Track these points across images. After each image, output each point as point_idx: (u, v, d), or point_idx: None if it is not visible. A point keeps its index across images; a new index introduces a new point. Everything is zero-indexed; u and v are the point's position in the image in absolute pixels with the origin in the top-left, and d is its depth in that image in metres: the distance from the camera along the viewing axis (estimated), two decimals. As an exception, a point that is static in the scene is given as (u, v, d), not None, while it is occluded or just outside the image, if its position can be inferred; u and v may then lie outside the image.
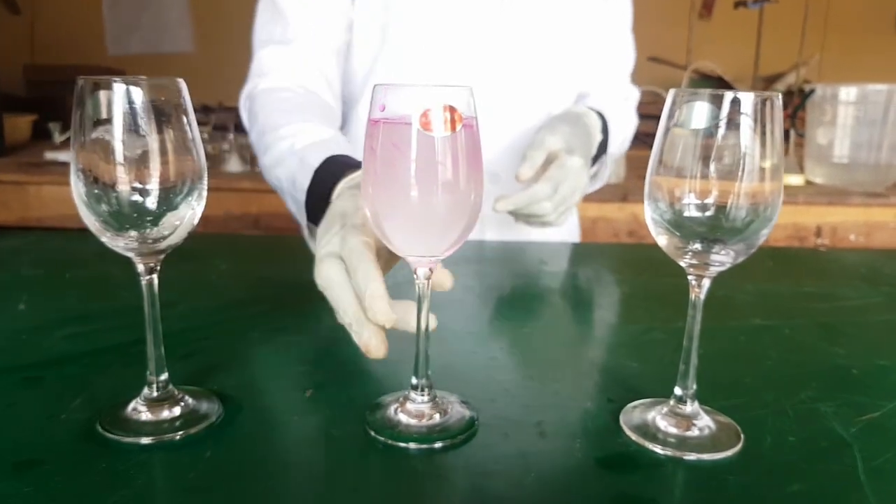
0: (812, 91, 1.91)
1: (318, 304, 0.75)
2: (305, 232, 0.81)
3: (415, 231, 0.48)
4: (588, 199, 1.70)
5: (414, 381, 0.52)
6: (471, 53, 1.03)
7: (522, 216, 0.94)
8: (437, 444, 0.48)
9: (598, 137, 1.05)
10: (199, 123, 2.85)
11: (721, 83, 2.48)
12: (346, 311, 0.53)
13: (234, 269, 0.91)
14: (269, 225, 1.91)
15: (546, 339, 0.71)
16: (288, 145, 0.84)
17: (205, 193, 0.48)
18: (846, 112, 1.85)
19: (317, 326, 0.70)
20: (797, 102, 2.06)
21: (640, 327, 0.74)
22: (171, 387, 0.52)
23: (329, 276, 0.55)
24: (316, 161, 0.76)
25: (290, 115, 0.91)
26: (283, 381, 0.58)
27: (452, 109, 0.45)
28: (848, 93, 1.84)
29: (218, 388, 0.55)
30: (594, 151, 1.04)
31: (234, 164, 2.04)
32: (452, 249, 0.50)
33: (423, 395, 0.52)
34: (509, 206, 0.90)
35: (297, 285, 0.82)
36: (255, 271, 0.90)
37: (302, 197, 0.76)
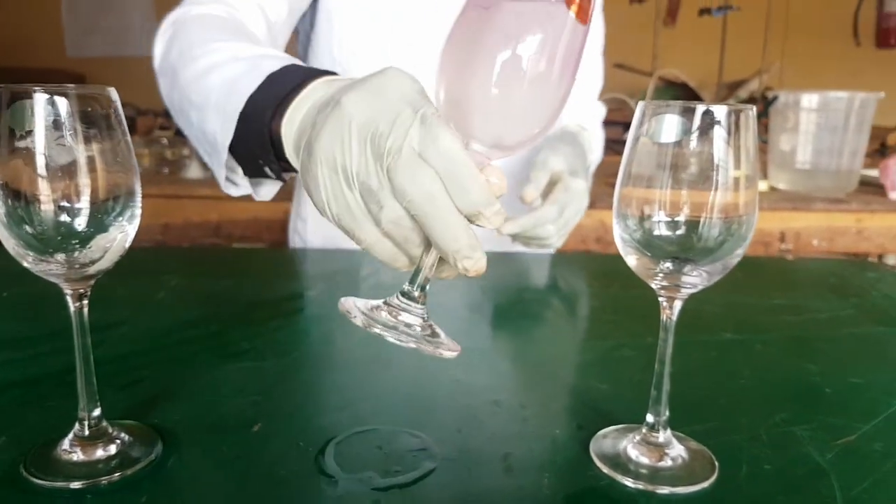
0: (775, 98, 1.91)
1: (272, 325, 0.72)
2: (219, 160, 0.63)
3: (514, 116, 0.43)
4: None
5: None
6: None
7: (523, 238, 0.92)
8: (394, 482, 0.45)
9: (591, 157, 1.04)
10: (161, 128, 2.79)
11: (686, 90, 2.48)
12: (460, 236, 0.42)
13: (184, 284, 0.87)
14: (230, 233, 1.86)
15: (513, 358, 0.68)
16: (229, 54, 0.66)
17: (138, 212, 0.44)
18: (808, 119, 1.86)
19: (270, 351, 0.66)
20: (760, 109, 2.07)
21: (609, 344, 0.72)
22: (104, 423, 0.48)
23: (431, 192, 0.41)
24: (273, 66, 0.57)
25: (229, 34, 0.73)
26: (229, 414, 0.54)
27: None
28: (810, 100, 1.85)
29: (158, 423, 0.51)
30: (592, 171, 1.04)
31: (194, 171, 1.98)
32: (527, 144, 0.45)
33: None
34: (516, 229, 0.88)
35: (251, 303, 0.78)
36: (207, 287, 0.85)
37: (240, 101, 0.57)
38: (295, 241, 1.16)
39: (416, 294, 0.46)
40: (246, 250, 1.49)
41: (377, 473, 0.46)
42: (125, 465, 0.46)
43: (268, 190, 0.67)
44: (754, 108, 0.43)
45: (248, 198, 0.67)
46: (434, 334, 0.46)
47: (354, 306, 0.45)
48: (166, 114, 3.01)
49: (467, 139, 0.43)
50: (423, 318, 0.46)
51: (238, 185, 0.68)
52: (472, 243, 0.43)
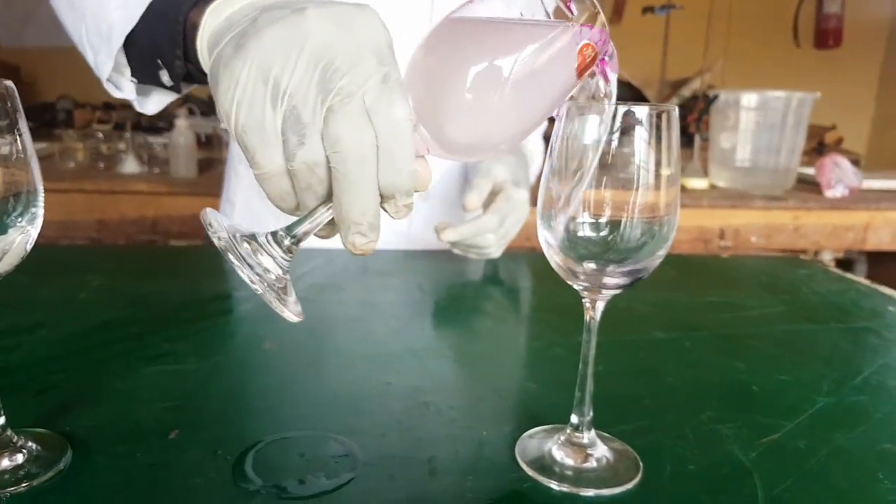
0: (716, 97, 1.95)
1: (197, 327, 0.70)
2: (110, 49, 0.56)
3: (477, 127, 0.40)
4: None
5: None
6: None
7: (462, 246, 0.91)
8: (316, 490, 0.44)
9: (532, 168, 1.05)
10: (100, 122, 2.71)
11: (629, 88, 2.51)
12: (367, 210, 0.39)
13: (109, 285, 0.83)
14: (168, 230, 1.82)
15: (446, 358, 0.67)
16: None
17: (41, 213, 0.42)
18: (748, 117, 1.90)
19: (193, 353, 0.64)
20: (702, 107, 2.10)
21: (541, 343, 0.71)
22: (9, 432, 0.45)
23: (363, 155, 0.38)
24: None
25: None
26: (146, 420, 0.52)
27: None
28: (749, 99, 1.89)
29: (69, 431, 0.49)
30: (532, 181, 1.04)
31: (130, 165, 1.93)
32: (473, 157, 0.44)
33: None
34: (456, 237, 0.87)
35: (176, 304, 0.76)
36: (130, 288, 0.82)
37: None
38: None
39: (287, 243, 0.42)
40: (176, 248, 1.46)
41: (297, 481, 0.44)
42: (32, 475, 0.44)
43: (154, 103, 0.61)
44: (676, 108, 0.42)
45: (185, 194, 0.64)
46: (286, 291, 0.42)
47: (219, 224, 0.40)
48: (105, 107, 2.92)
49: (417, 122, 0.40)
50: (283, 269, 0.42)
51: (121, 88, 0.61)
52: (375, 223, 0.40)
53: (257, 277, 0.40)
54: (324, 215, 0.41)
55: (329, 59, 0.37)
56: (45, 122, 2.81)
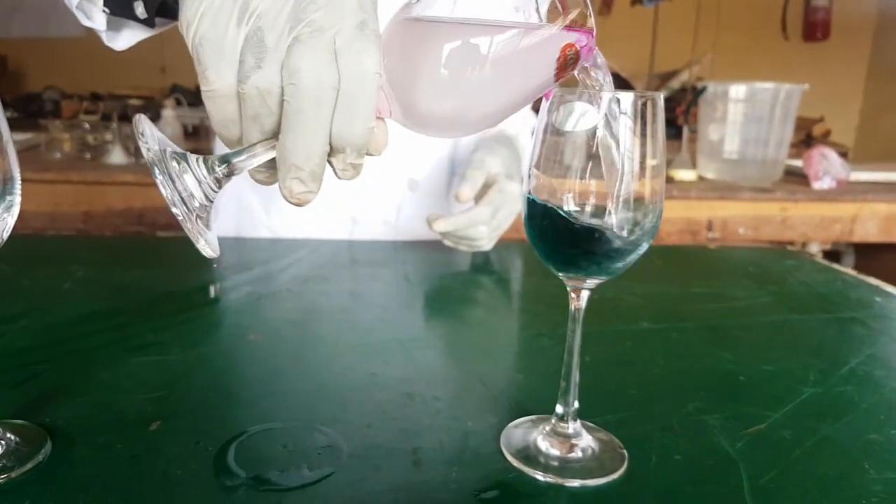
0: (704, 88, 1.95)
1: (182, 317, 0.69)
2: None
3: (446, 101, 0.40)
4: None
5: None
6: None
7: (454, 237, 0.91)
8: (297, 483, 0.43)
9: (525, 163, 1.02)
10: (87, 112, 2.69)
11: (618, 80, 2.51)
12: (312, 155, 0.37)
13: (93, 275, 0.83)
14: (154, 221, 1.80)
15: (432, 349, 0.66)
16: None
17: (18, 201, 0.41)
18: (736, 109, 1.90)
19: (177, 344, 0.63)
20: (690, 99, 2.10)
21: (528, 333, 0.71)
22: (-14, 423, 0.45)
23: (320, 97, 0.36)
24: None
25: None
26: (127, 411, 0.51)
27: None
28: (737, 90, 1.89)
29: (49, 422, 0.48)
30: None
31: (117, 156, 1.91)
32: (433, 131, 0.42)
33: None
34: (448, 227, 0.87)
35: (161, 294, 0.75)
36: (115, 278, 0.82)
37: None
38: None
39: (219, 172, 0.39)
40: (162, 239, 1.44)
41: (279, 473, 0.44)
42: (10, 467, 0.43)
43: (125, 38, 0.57)
44: (662, 96, 0.42)
45: None
46: (206, 222, 0.40)
47: (151, 135, 0.38)
48: (92, 98, 2.90)
49: (385, 82, 0.39)
50: (208, 197, 0.40)
51: (91, 18, 0.56)
52: (318, 172, 0.38)
53: (178, 199, 0.37)
54: (265, 153, 0.39)
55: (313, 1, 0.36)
56: (32, 112, 2.79)
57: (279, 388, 0.56)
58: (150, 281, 0.80)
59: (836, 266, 1.01)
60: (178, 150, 0.39)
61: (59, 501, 0.40)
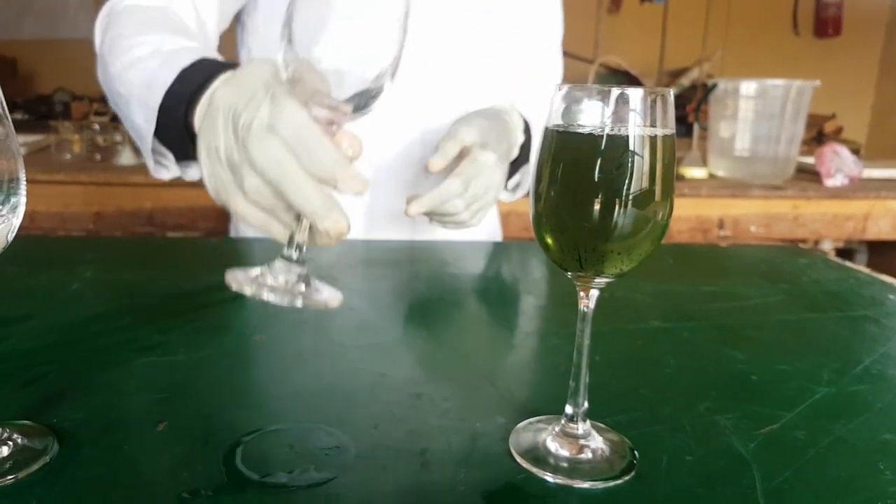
0: (714, 85, 1.93)
1: (189, 317, 0.69)
2: (146, 148, 0.70)
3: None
4: (497, 193, 1.67)
5: None
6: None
7: (437, 217, 0.88)
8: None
9: (520, 138, 0.99)
10: (97, 113, 2.70)
11: (628, 77, 2.50)
12: (311, 197, 0.45)
13: (101, 276, 0.82)
14: (164, 222, 1.81)
15: (440, 349, 0.66)
16: (151, 49, 0.71)
17: (23, 202, 0.41)
18: (747, 106, 1.89)
19: (184, 345, 0.63)
20: (700, 96, 2.09)
21: (537, 333, 0.71)
22: (-7, 423, 0.45)
23: (279, 158, 0.45)
24: (185, 62, 0.64)
25: (157, 27, 0.79)
26: (134, 412, 0.51)
27: None
28: (748, 87, 1.88)
29: (56, 422, 0.48)
30: (515, 152, 0.98)
31: (126, 157, 1.92)
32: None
33: None
34: (423, 208, 0.84)
35: (169, 295, 0.75)
36: (123, 279, 0.82)
37: (159, 96, 0.65)
38: (238, 229, 1.12)
39: (295, 256, 0.48)
40: (170, 240, 1.44)
41: (286, 474, 0.44)
42: (17, 468, 0.43)
43: (196, 170, 0.74)
44: (672, 91, 0.42)
45: (182, 185, 0.72)
46: (317, 290, 0.48)
47: (240, 279, 0.46)
48: (102, 99, 2.92)
49: (310, 99, 0.46)
50: (302, 276, 0.48)
51: (168, 168, 0.76)
52: (327, 203, 0.45)
53: (290, 297, 0.45)
54: (303, 221, 0.47)
55: (234, 111, 0.48)
56: (42, 114, 2.80)
57: (286, 389, 0.56)
58: (157, 282, 0.80)
59: (848, 264, 1.00)
60: (258, 269, 0.48)
61: (65, 502, 0.40)
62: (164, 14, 0.85)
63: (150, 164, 0.74)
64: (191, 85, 0.61)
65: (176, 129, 0.64)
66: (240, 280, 0.46)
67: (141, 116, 0.70)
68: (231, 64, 0.64)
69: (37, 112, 2.85)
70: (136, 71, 0.71)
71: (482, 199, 0.88)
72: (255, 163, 0.46)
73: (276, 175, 0.45)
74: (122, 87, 0.74)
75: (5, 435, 0.45)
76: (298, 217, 0.47)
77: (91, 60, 0.84)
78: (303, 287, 0.47)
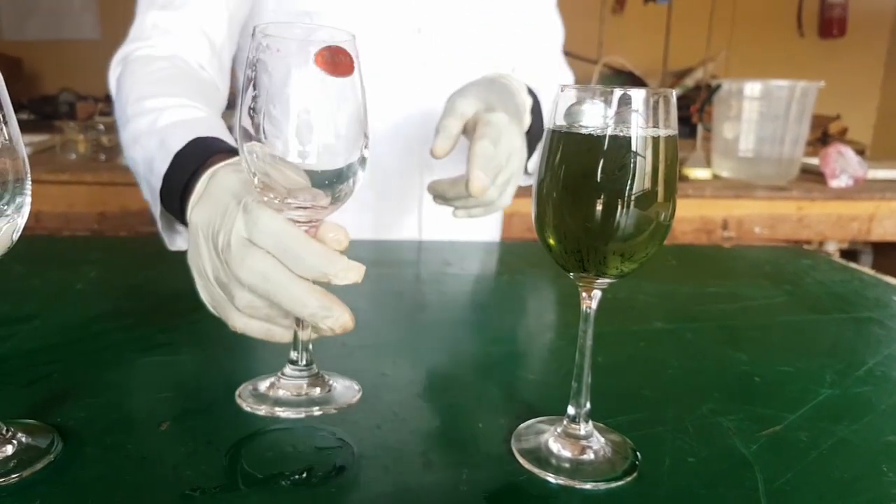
0: (718, 86, 1.93)
1: (193, 317, 0.69)
2: (159, 224, 0.72)
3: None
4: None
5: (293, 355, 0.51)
6: (393, 29, 0.97)
7: (460, 202, 0.78)
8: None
9: (528, 100, 0.87)
10: (102, 114, 2.70)
11: (631, 78, 2.49)
12: (307, 302, 0.46)
13: (104, 276, 0.83)
14: (169, 222, 1.80)
15: (441, 350, 0.66)
16: (149, 122, 0.72)
17: (28, 202, 0.41)
18: (751, 107, 1.88)
19: (187, 344, 0.63)
20: (704, 97, 2.08)
21: (540, 334, 0.71)
22: (-4, 422, 0.45)
23: (265, 271, 0.45)
24: (178, 143, 0.64)
25: (159, 86, 0.79)
26: (138, 411, 0.51)
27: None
28: (752, 88, 1.88)
29: (60, 422, 0.48)
30: (527, 119, 0.86)
31: (130, 158, 1.92)
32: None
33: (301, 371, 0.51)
34: (486, 182, 0.70)
35: (173, 294, 0.75)
36: (127, 279, 0.82)
37: (158, 184, 0.66)
38: None
39: (303, 360, 0.50)
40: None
41: (288, 473, 0.44)
42: (21, 466, 0.43)
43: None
44: (674, 92, 0.42)
45: None
46: (331, 387, 0.50)
47: (252, 397, 0.49)
48: (107, 99, 2.93)
49: (284, 200, 0.46)
50: (313, 377, 0.50)
51: (182, 233, 0.76)
52: (324, 304, 0.46)
53: (307, 410, 0.47)
54: (306, 329, 0.49)
55: (212, 230, 0.48)
56: (47, 114, 2.81)
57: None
58: (161, 281, 0.80)
59: (853, 265, 1.00)
60: (269, 379, 0.50)
61: (69, 501, 0.40)
62: (172, 65, 0.85)
63: (166, 240, 0.75)
64: (185, 172, 0.61)
65: (178, 216, 0.64)
66: (251, 402, 0.48)
67: (149, 194, 0.72)
68: (219, 141, 0.64)
69: (42, 112, 2.86)
70: (138, 148, 0.72)
71: (507, 167, 0.76)
72: (243, 280, 0.46)
73: (265, 289, 0.46)
74: (129, 161, 0.76)
75: (9, 434, 0.45)
76: (299, 320, 0.48)
77: (96, 61, 0.85)
78: (317, 391, 0.48)
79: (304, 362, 0.49)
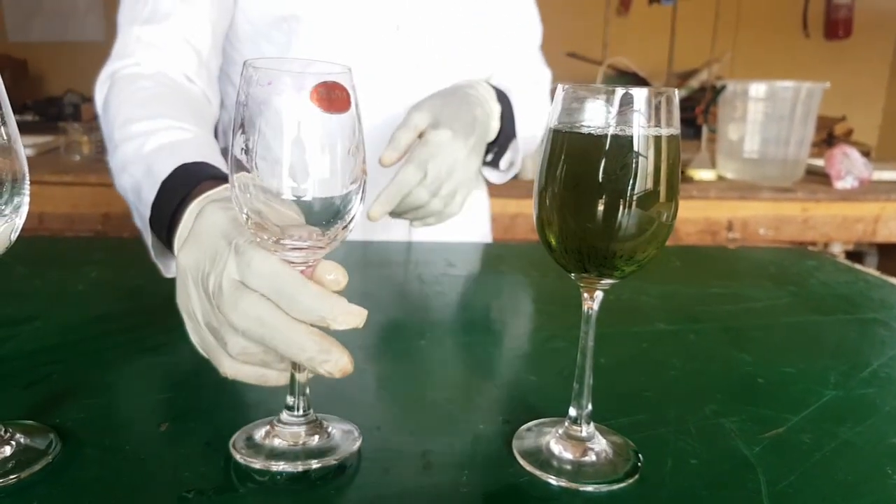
0: (723, 87, 1.93)
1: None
2: (151, 253, 0.69)
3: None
4: (506, 195, 1.67)
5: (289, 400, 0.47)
6: (372, 26, 0.96)
7: (408, 215, 0.83)
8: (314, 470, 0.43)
9: (495, 108, 0.92)
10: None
11: (636, 79, 2.49)
12: (305, 346, 0.42)
13: (105, 276, 0.83)
14: (172, 223, 1.81)
15: (443, 351, 0.66)
16: (135, 147, 0.71)
17: (26, 202, 0.41)
18: (756, 108, 1.88)
19: (187, 345, 0.62)
20: (709, 98, 2.08)
21: (542, 335, 0.70)
22: (-4, 423, 0.45)
23: (259, 316, 0.42)
24: (164, 171, 0.63)
25: (146, 108, 0.77)
26: (137, 412, 0.51)
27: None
28: (757, 89, 1.87)
29: (59, 423, 0.48)
30: (495, 125, 0.91)
31: (134, 160, 1.92)
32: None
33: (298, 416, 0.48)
34: (384, 208, 0.78)
35: (173, 296, 0.75)
36: (128, 280, 0.82)
37: (147, 212, 0.64)
38: None
39: (301, 406, 0.47)
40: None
41: (289, 475, 0.43)
42: (19, 467, 0.43)
43: None
44: (677, 91, 0.41)
45: None
46: (330, 436, 0.47)
47: (247, 448, 0.45)
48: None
49: (279, 239, 0.43)
50: (311, 424, 0.47)
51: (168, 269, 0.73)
52: (322, 347, 0.43)
53: (305, 463, 0.44)
54: (304, 371, 0.47)
55: (201, 272, 0.46)
56: (52, 115, 2.82)
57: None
58: (162, 283, 0.80)
59: (858, 266, 0.99)
60: (264, 427, 0.47)
61: (67, 502, 0.40)
62: (158, 84, 0.84)
63: (161, 267, 0.71)
64: (171, 202, 0.60)
65: (169, 242, 0.62)
66: (245, 454, 0.45)
67: (139, 222, 0.70)
68: (206, 166, 0.63)
69: (47, 114, 2.86)
70: (126, 176, 0.71)
71: (449, 181, 0.81)
72: (236, 325, 0.43)
73: (260, 334, 0.43)
74: (119, 189, 0.75)
75: (8, 435, 0.45)
76: (295, 364, 0.46)
77: (101, 63, 0.84)
78: (315, 439, 0.46)
79: (300, 411, 0.47)
